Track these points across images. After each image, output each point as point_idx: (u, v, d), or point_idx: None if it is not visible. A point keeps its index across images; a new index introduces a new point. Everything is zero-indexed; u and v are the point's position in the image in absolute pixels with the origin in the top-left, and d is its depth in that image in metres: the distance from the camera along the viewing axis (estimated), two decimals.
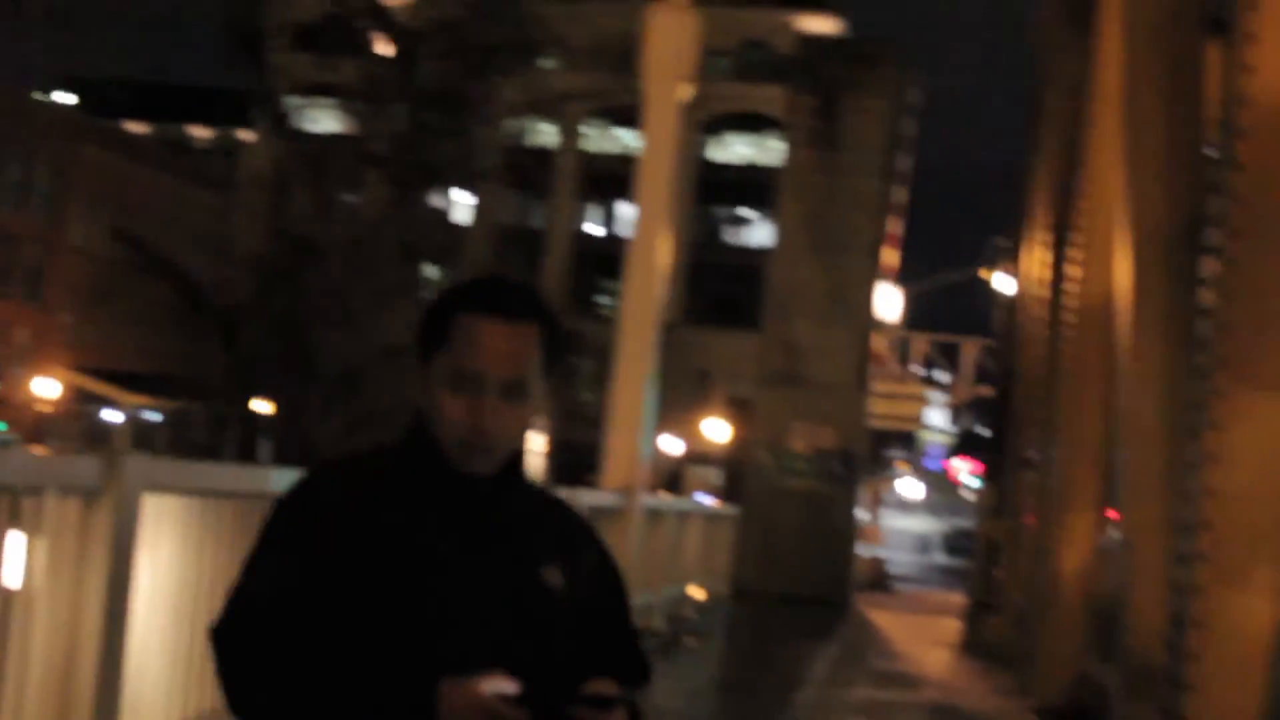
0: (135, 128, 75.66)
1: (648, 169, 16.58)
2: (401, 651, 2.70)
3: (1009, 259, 32.74)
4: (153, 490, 6.02)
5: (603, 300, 67.48)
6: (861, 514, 32.17)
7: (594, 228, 67.88)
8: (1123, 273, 11.71)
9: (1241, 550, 7.35)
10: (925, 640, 22.50)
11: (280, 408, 24.01)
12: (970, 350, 55.14)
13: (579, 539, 2.95)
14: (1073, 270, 15.72)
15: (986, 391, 56.01)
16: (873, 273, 31.27)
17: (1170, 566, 9.35)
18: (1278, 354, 7.58)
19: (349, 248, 25.92)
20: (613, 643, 2.95)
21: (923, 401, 41.61)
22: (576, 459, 55.91)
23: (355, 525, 2.76)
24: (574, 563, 2.87)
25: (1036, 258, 21.22)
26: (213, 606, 6.66)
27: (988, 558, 23.50)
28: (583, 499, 13.01)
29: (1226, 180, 8.10)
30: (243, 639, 2.77)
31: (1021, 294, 24.14)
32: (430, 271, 46.79)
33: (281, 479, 7.66)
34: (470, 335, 2.73)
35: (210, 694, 6.66)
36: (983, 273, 45.36)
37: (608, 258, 65.03)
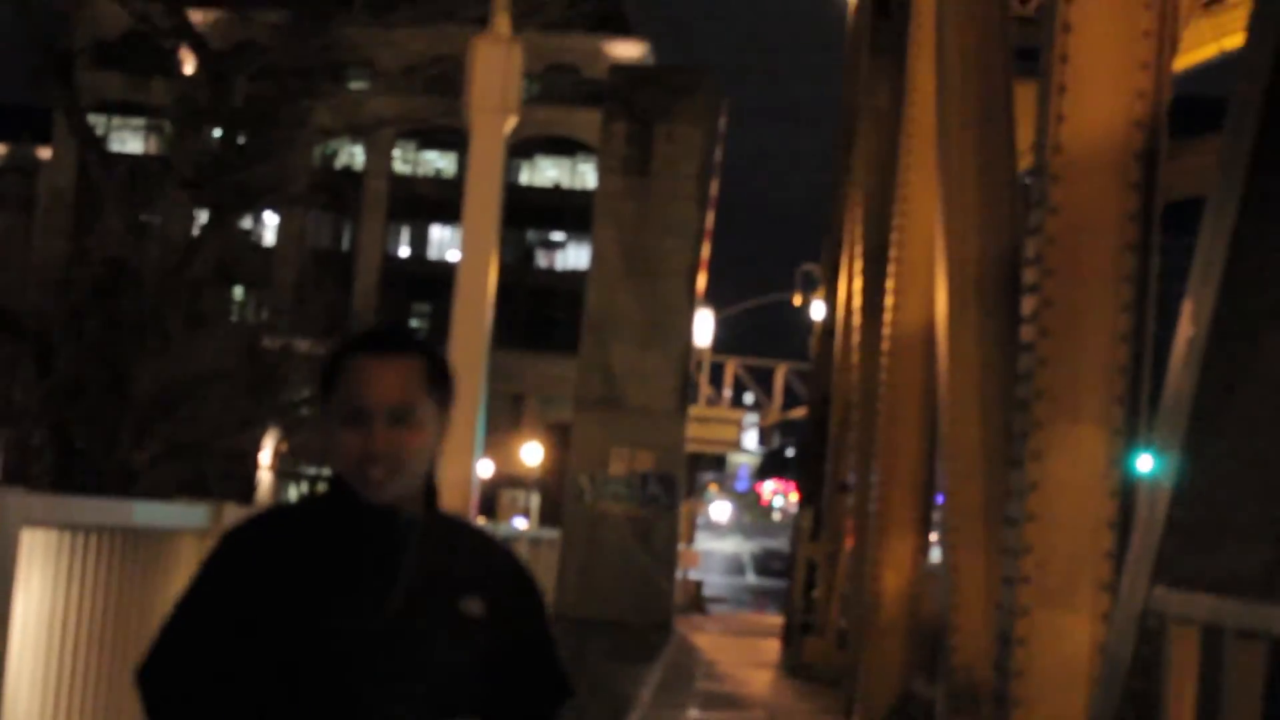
0: None
1: (473, 198, 16.83)
2: (317, 691, 2.90)
3: (820, 285, 33.59)
4: (31, 525, 6.18)
5: (414, 323, 67.51)
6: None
7: (403, 250, 67.81)
8: (940, 304, 12.28)
9: (1062, 573, 7.89)
10: (747, 662, 23.06)
11: (95, 435, 23.76)
12: (781, 373, 56.18)
13: (497, 567, 3.17)
14: (889, 299, 16.34)
15: (797, 414, 57.15)
16: (689, 298, 31.86)
17: (993, 588, 9.91)
18: (1093, 389, 8.13)
19: (163, 271, 25.75)
20: (533, 664, 3.19)
21: (739, 425, 42.35)
22: None
23: (275, 568, 2.98)
24: (493, 592, 3.09)
25: (850, 285, 21.92)
26: (85, 640, 6.86)
27: (807, 579, 24.16)
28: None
29: (1042, 222, 8.62)
30: (164, 681, 2.99)
31: (836, 320, 24.86)
32: (241, 295, 46.59)
33: (164, 513, 7.85)
34: (355, 374, 3.01)
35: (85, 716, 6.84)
36: (795, 299, 46.40)
37: (418, 280, 65.11)
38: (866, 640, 15.52)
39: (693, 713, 16.08)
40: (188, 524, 7.74)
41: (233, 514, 8.23)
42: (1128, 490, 8.07)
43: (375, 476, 3.00)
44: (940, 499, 12.26)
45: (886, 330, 16.02)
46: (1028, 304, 8.59)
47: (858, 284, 20.10)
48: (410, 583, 3.01)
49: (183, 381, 26.25)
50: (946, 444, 11.35)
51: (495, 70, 17.34)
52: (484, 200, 16.59)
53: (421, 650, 2.98)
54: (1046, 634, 7.83)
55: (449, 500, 13.13)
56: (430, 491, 3.10)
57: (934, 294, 13.25)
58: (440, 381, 3.08)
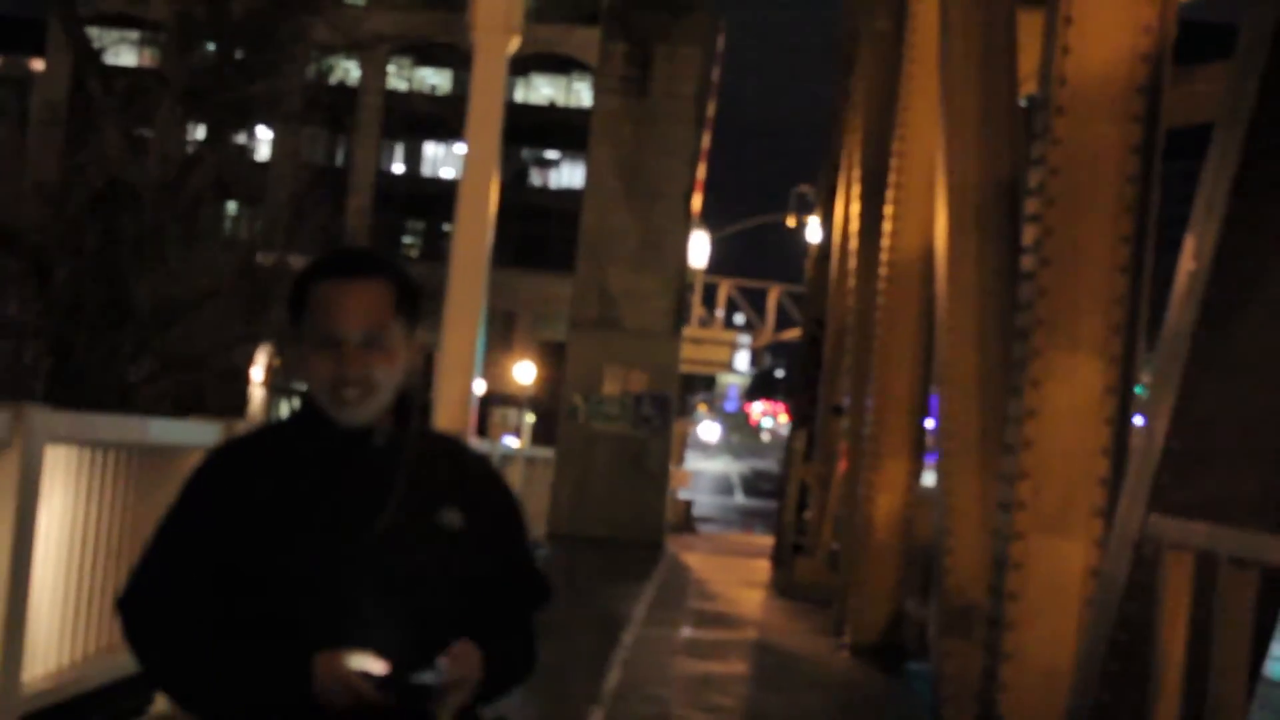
0: None
1: (476, 116, 16.82)
2: (294, 614, 2.97)
3: (816, 208, 33.65)
4: (55, 442, 6.36)
5: (407, 240, 67.46)
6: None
7: (398, 167, 67.67)
8: (939, 231, 12.37)
9: (1058, 499, 8.05)
10: (738, 582, 23.31)
11: (93, 350, 23.88)
12: (774, 295, 56.27)
13: (474, 477, 3.25)
14: (887, 224, 16.42)
15: (789, 336, 57.32)
16: (685, 219, 31.91)
17: (988, 512, 10.09)
18: (1092, 317, 8.26)
19: (160, 187, 25.77)
20: (511, 570, 3.26)
21: (732, 346, 42.50)
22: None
23: (254, 493, 3.06)
24: (471, 501, 3.16)
25: (847, 209, 21.99)
26: (104, 554, 7.03)
27: (799, 501, 24.38)
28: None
29: (1045, 153, 8.73)
30: (146, 609, 3.07)
31: (832, 243, 24.93)
32: (235, 211, 46.53)
33: (179, 430, 8.01)
34: (324, 298, 3.09)
35: (99, 634, 7.03)
36: (788, 220, 46.40)
37: (412, 198, 65.06)
38: (859, 561, 15.72)
39: (685, 630, 16.32)
40: (201, 440, 7.91)
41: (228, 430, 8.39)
42: (1123, 418, 8.23)
43: (349, 398, 3.08)
44: (935, 424, 12.42)
45: (884, 255, 16.11)
46: (1029, 233, 8.71)
47: (855, 208, 20.16)
48: (384, 499, 3.08)
49: (179, 298, 26.33)
50: (944, 369, 11.49)
51: None
52: (485, 121, 16.57)
53: (404, 565, 3.04)
54: (1041, 558, 8.00)
55: (447, 418, 13.18)
56: (402, 407, 3.17)
57: (933, 220, 13.35)
58: (409, 303, 3.15)
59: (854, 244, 19.89)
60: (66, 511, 6.74)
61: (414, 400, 3.22)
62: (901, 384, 15.71)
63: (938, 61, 12.94)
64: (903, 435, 15.65)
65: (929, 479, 14.58)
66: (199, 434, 7.99)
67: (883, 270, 16.21)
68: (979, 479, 10.71)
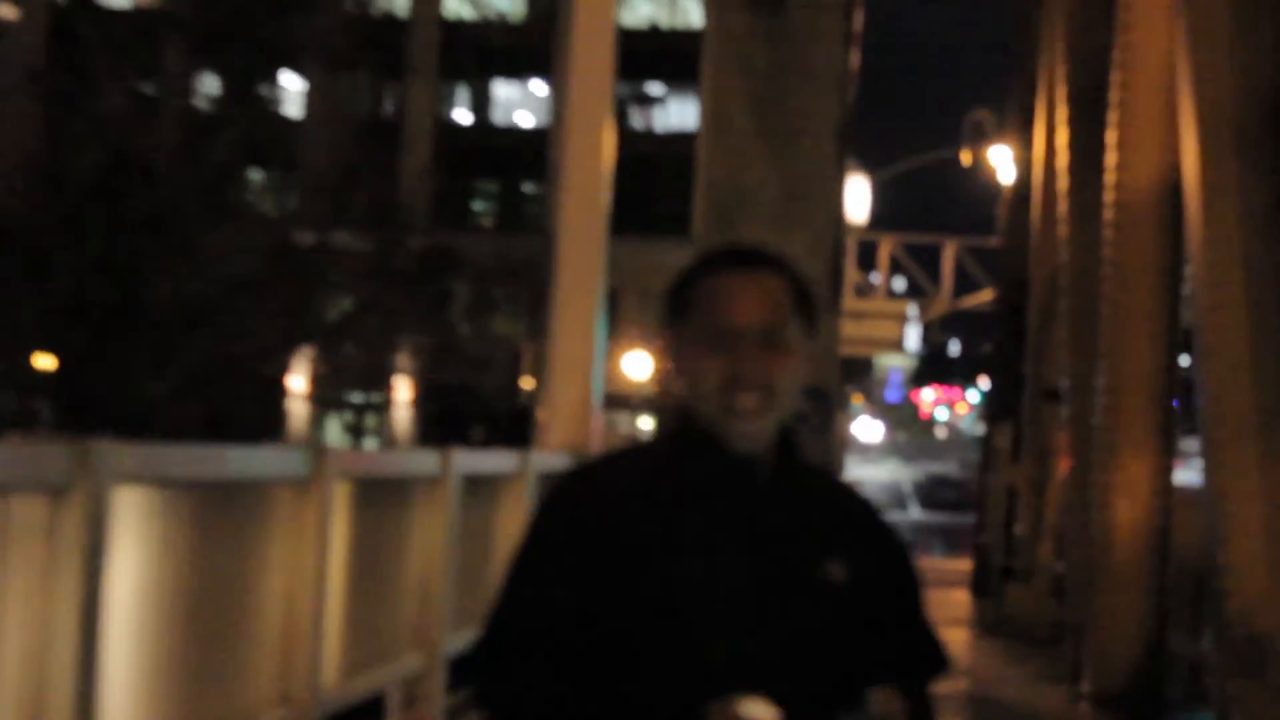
0: None
1: (582, 45, 17.02)
2: (672, 664, 3.18)
3: (1003, 137, 33.49)
4: (125, 482, 6.50)
5: (479, 207, 67.85)
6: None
7: (462, 115, 67.96)
8: (1187, 159, 12.33)
9: None
10: (934, 617, 23.30)
11: (103, 362, 24.28)
12: (950, 252, 56.00)
13: (864, 525, 3.45)
14: (1110, 156, 16.36)
15: (972, 303, 57.14)
16: (838, 162, 31.96)
17: (1274, 515, 10.06)
18: None
19: (178, 156, 26.11)
20: (903, 634, 3.46)
21: (902, 320, 42.42)
22: (450, 408, 56.31)
23: (619, 533, 3.25)
24: (857, 552, 3.36)
25: (1052, 138, 21.91)
26: (184, 617, 7.19)
27: (1006, 513, 24.33)
28: (500, 465, 12.93)
29: None
30: (509, 670, 3.27)
31: (1032, 183, 24.85)
32: (262, 181, 46.97)
33: (261, 462, 8.16)
34: (718, 292, 3.31)
35: (183, 705, 7.19)
36: (963, 156, 46.18)
37: (481, 152, 65.31)
38: (1096, 587, 15.66)
39: None
40: (286, 473, 8.02)
41: (339, 462, 8.52)
42: None
43: (745, 405, 3.27)
44: (1198, 405, 12.32)
45: (1109, 195, 16.05)
46: None
47: (1062, 136, 20.09)
48: (768, 544, 3.28)
49: (205, 293, 26.65)
50: (1204, 336, 11.45)
51: None
52: (596, 41, 16.68)
53: (778, 618, 3.25)
54: None
55: (564, 433, 13.37)
56: (787, 436, 3.36)
57: (1174, 147, 13.30)
58: (806, 301, 3.37)
59: (1063, 182, 19.83)
60: (139, 567, 6.89)
61: (800, 427, 3.37)
62: (1140, 357, 15.65)
63: None
64: (1145, 422, 15.59)
65: (1184, 476, 14.53)
66: (284, 465, 8.11)
67: (1107, 214, 16.16)
68: (1259, 474, 10.66)
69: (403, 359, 52.29)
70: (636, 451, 3.47)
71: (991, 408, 28.91)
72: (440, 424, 55.01)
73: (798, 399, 3.36)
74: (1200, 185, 11.78)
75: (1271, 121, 11.45)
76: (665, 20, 66.64)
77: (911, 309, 66.49)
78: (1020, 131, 27.62)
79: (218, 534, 7.53)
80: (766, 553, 3.27)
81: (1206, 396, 11.35)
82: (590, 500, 3.32)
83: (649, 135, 67.36)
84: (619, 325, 60.85)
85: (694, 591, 3.21)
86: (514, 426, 41.97)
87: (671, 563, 3.22)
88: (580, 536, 3.27)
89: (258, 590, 7.84)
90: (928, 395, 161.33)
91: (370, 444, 57.71)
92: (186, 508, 7.15)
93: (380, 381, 53.88)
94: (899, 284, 65.03)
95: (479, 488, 11.41)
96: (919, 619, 3.54)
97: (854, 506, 3.46)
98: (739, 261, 3.36)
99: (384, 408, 58.11)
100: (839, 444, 35.64)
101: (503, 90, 66.99)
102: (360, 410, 60.80)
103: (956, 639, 20.93)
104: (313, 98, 53.46)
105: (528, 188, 65.13)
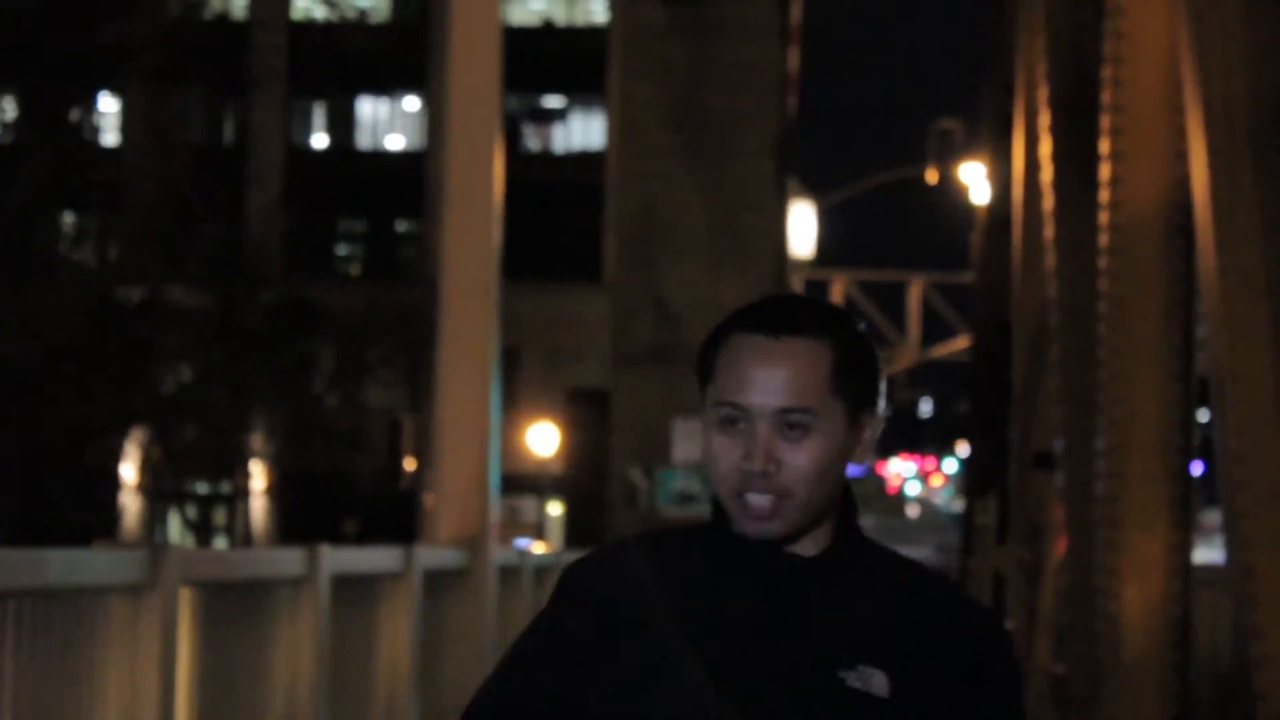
0: None
1: (462, 49, 17.08)
2: None
3: (974, 151, 33.72)
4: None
5: (342, 251, 67.67)
6: None
7: (318, 139, 67.82)
8: (1196, 169, 12.45)
9: None
10: None
11: None
12: (916, 291, 56.24)
13: (929, 623, 3.39)
14: (1105, 168, 16.47)
15: (946, 351, 57.36)
16: (776, 184, 32.04)
17: None
18: None
19: None
20: None
21: None
22: (317, 497, 56.09)
23: (617, 624, 3.38)
24: (918, 657, 3.34)
25: (1035, 150, 22.05)
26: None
27: (993, 605, 24.45)
28: (379, 562, 13.17)
29: None
30: None
31: (1012, 202, 24.98)
32: (76, 222, 46.77)
33: (88, 566, 8.18)
34: (735, 359, 3.33)
35: None
36: (928, 175, 46.40)
37: (343, 184, 65.04)
38: (1104, 689, 15.75)
39: None
40: (118, 578, 8.07)
41: (182, 563, 8.58)
42: None
43: (756, 508, 3.32)
44: (1205, 468, 12.47)
45: (1104, 216, 16.13)
46: None
47: (1046, 146, 20.20)
48: (782, 639, 3.34)
49: (12, 364, 26.55)
50: (1224, 384, 11.56)
51: None
52: (479, 48, 16.66)
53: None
54: None
55: (455, 522, 13.56)
56: (841, 518, 3.42)
57: (1182, 154, 13.42)
58: (853, 373, 3.36)
59: (1048, 200, 19.92)
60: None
61: (855, 509, 3.43)
62: (1148, 411, 15.74)
63: None
64: (1156, 490, 15.67)
65: (1205, 554, 14.63)
66: (114, 569, 8.17)
67: (1103, 237, 16.24)
68: None
69: (256, 439, 52.04)
70: (656, 536, 3.50)
71: (972, 479, 29.04)
72: (306, 516, 54.73)
73: (835, 488, 3.36)
74: (1212, 200, 11.90)
75: None
76: (562, 16, 66.48)
77: None
78: (996, 143, 27.82)
79: (37, 653, 7.55)
80: (777, 649, 3.31)
81: (1228, 457, 11.45)
82: (599, 585, 3.44)
83: (547, 157, 67.32)
84: (519, 391, 60.73)
85: (684, 697, 3.29)
86: (395, 516, 41.91)
87: (665, 665, 3.31)
88: (577, 618, 3.41)
89: (88, 718, 7.90)
90: (895, 466, 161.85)
91: (220, 543, 57.46)
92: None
93: (230, 468, 53.54)
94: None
95: (354, 590, 11.49)
96: None
97: (929, 604, 3.41)
98: (764, 321, 3.34)
99: (235, 499, 57.76)
100: None
101: (367, 107, 66.96)
102: (206, 503, 60.48)
103: None
104: (134, 122, 53.08)
105: (401, 226, 65.10)
